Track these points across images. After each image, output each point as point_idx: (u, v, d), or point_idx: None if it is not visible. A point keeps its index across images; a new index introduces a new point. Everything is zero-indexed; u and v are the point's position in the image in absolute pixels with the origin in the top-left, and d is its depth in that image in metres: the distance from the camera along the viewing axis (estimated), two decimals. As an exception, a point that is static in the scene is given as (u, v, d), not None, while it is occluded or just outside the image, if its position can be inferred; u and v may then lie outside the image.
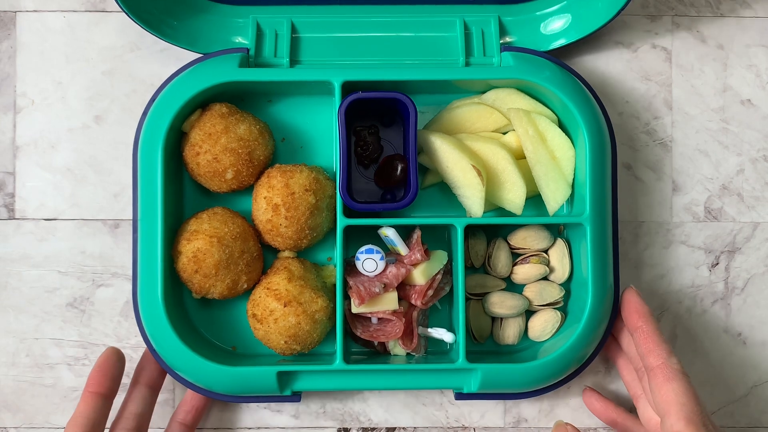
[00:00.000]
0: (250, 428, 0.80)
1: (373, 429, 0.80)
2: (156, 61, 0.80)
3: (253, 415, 0.80)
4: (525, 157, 0.77)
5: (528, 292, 0.78)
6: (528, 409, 0.81)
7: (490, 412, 0.80)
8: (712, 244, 0.81)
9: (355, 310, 0.74)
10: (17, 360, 0.79)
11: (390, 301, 0.74)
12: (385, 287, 0.74)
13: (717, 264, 0.81)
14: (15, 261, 0.79)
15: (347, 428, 0.80)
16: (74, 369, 0.79)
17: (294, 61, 0.78)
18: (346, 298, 0.75)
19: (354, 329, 0.75)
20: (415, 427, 0.80)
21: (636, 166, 0.81)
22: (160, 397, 0.79)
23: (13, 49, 0.80)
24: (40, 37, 0.80)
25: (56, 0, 0.80)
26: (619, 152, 0.81)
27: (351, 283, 0.74)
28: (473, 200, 0.75)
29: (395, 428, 0.80)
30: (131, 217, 0.77)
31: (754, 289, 0.82)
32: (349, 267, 0.76)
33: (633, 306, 0.74)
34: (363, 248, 0.74)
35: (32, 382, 0.79)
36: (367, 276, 0.75)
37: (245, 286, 0.75)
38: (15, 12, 0.80)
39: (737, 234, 0.81)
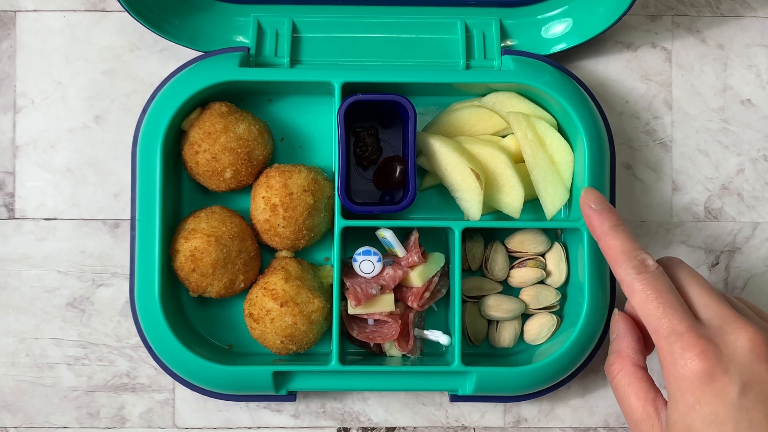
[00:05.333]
0: (249, 428, 0.80)
1: (373, 429, 0.80)
2: (156, 61, 0.80)
3: (252, 414, 0.80)
4: (524, 161, 0.76)
5: (524, 295, 0.78)
6: (528, 409, 0.81)
7: (490, 412, 0.80)
8: (712, 244, 0.81)
9: (351, 311, 0.74)
10: (17, 360, 0.79)
11: (386, 303, 0.74)
12: (382, 289, 0.74)
13: (717, 264, 0.81)
14: (15, 261, 0.79)
15: (347, 428, 0.80)
16: (74, 369, 0.79)
17: (294, 61, 0.78)
18: (343, 299, 0.75)
19: (350, 330, 0.75)
20: (414, 427, 0.80)
21: (636, 166, 0.81)
22: (160, 396, 0.79)
23: (13, 49, 0.80)
24: (40, 37, 0.80)
25: (56, 0, 0.80)
26: (619, 152, 0.81)
27: (348, 284, 0.74)
28: (471, 203, 0.75)
29: (395, 428, 0.80)
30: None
31: (754, 289, 0.81)
32: (347, 268, 0.76)
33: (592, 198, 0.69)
34: (360, 249, 0.74)
35: (32, 382, 0.79)
36: (364, 277, 0.75)
37: (242, 285, 0.75)
38: (15, 12, 0.80)
39: (737, 234, 0.81)
